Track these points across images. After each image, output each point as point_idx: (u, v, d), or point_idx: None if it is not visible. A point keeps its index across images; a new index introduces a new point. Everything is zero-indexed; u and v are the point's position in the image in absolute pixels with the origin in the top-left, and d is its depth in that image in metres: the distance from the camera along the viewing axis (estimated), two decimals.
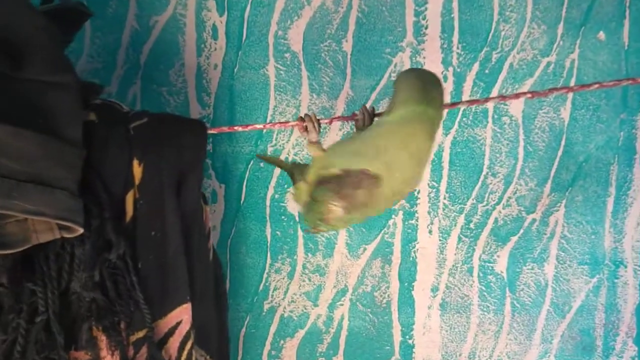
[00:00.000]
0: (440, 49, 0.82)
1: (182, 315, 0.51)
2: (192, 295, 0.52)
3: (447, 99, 0.83)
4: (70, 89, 0.44)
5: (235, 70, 0.81)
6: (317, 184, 0.50)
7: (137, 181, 0.50)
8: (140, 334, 0.49)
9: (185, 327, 0.51)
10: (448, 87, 0.82)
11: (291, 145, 0.82)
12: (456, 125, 0.83)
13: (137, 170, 0.50)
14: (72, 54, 0.79)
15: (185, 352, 0.51)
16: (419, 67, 0.81)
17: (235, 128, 0.59)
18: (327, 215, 0.50)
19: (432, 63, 0.82)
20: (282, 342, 0.86)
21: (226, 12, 0.80)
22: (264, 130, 0.82)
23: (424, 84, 0.47)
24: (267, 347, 0.86)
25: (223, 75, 0.81)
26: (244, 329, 0.85)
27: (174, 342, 0.51)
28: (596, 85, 0.51)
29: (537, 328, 0.86)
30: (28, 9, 0.44)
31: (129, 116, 0.52)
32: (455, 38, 0.82)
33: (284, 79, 0.81)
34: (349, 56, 0.82)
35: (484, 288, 0.86)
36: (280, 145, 0.82)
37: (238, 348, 0.85)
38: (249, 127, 0.58)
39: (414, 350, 0.86)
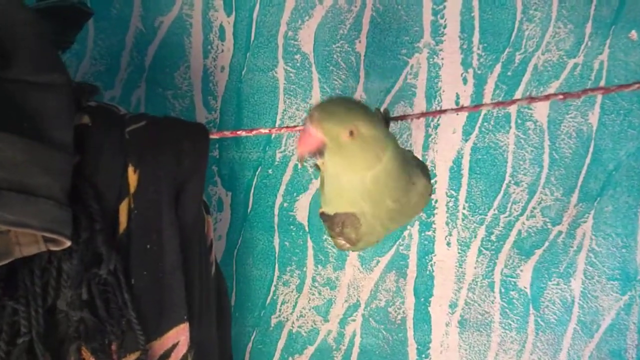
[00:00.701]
0: (460, 50, 0.77)
1: (179, 337, 0.47)
2: (191, 314, 0.48)
3: (467, 102, 0.78)
4: (59, 90, 0.41)
5: (243, 72, 0.77)
6: (321, 219, 0.52)
7: (132, 189, 0.46)
8: (133, 357, 0.45)
9: (182, 349, 0.47)
10: (468, 89, 0.78)
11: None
12: (476, 131, 0.78)
13: (133, 177, 0.46)
14: (74, 56, 0.77)
15: None
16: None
17: (239, 133, 0.55)
18: (339, 247, 0.52)
19: (451, 64, 0.78)
20: (290, 359, 0.81)
21: (234, 12, 0.77)
22: (273, 136, 0.78)
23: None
24: None
25: (230, 78, 0.77)
26: (250, 344, 0.81)
27: None
28: (637, 86, 0.46)
29: (562, 348, 0.81)
30: (16, 4, 0.41)
31: (125, 119, 0.49)
32: (476, 38, 0.77)
33: (293, 82, 0.77)
34: (362, 57, 0.77)
35: (505, 304, 0.80)
36: (289, 152, 0.78)
37: None
38: (254, 132, 0.54)
39: None
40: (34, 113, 0.38)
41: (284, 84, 0.77)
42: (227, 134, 0.53)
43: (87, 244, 0.42)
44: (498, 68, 0.77)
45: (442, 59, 0.78)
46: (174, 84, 0.77)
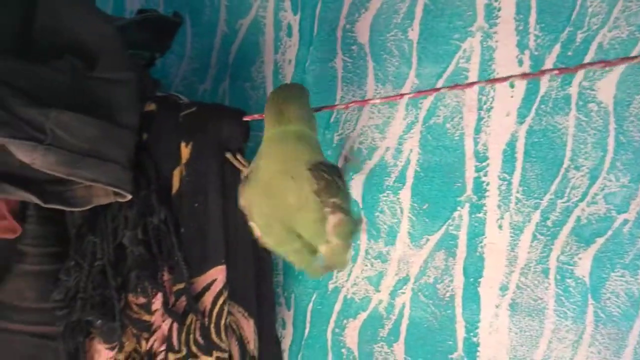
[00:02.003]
0: (515, 32, 0.77)
1: (216, 275, 0.59)
2: (227, 258, 0.60)
3: (522, 87, 0.77)
4: (128, 84, 0.56)
5: (307, 64, 0.87)
6: None
7: (183, 160, 0.60)
8: (180, 286, 0.59)
9: (219, 284, 0.60)
10: (524, 71, 0.77)
11: (356, 135, 0.86)
12: (533, 113, 0.77)
13: (185, 151, 0.60)
14: (177, 57, 0.95)
15: (217, 305, 0.60)
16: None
17: (255, 116, 0.64)
18: None
19: (505, 47, 0.77)
20: (345, 321, 0.90)
21: (299, 11, 0.87)
22: (331, 120, 0.87)
23: (278, 106, 0.54)
24: (332, 324, 0.91)
25: (296, 70, 0.88)
26: (310, 305, 0.91)
27: (208, 296, 0.60)
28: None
29: (628, 344, 0.75)
30: (102, 20, 0.57)
31: (182, 106, 0.63)
32: (533, 18, 0.76)
33: (350, 71, 0.85)
34: (414, 44, 0.82)
35: (561, 292, 0.78)
36: (345, 134, 0.86)
37: (306, 321, 0.92)
38: None
39: (478, 348, 0.83)
40: (108, 101, 0.54)
41: (342, 73, 0.85)
42: (256, 116, 0.64)
43: (144, 199, 0.57)
44: (557, 48, 0.75)
45: (496, 41, 0.78)
46: (251, 77, 0.91)
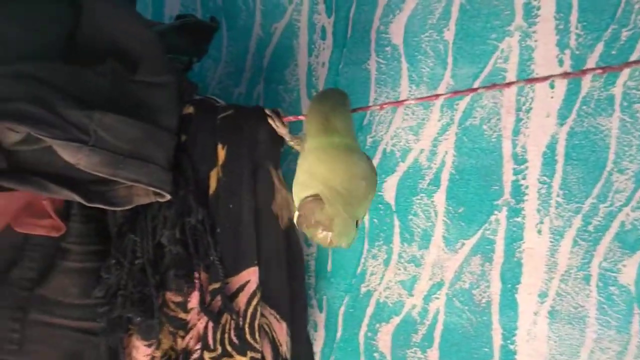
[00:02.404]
0: (555, 30, 0.75)
1: (250, 276, 0.60)
2: (259, 261, 0.61)
3: (563, 87, 0.75)
4: (168, 88, 0.57)
5: (340, 66, 0.87)
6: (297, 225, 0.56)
7: (220, 162, 0.61)
8: (216, 285, 0.60)
9: (252, 286, 0.60)
10: (565, 71, 0.74)
11: (389, 137, 0.85)
12: (574, 115, 0.75)
13: (221, 153, 0.61)
14: (214, 60, 0.97)
15: (252, 306, 0.60)
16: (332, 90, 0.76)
17: (290, 117, 0.65)
18: (323, 242, 0.54)
19: (545, 46, 0.75)
20: (377, 325, 0.89)
21: (334, 14, 0.87)
22: (364, 123, 0.86)
23: (325, 115, 0.54)
24: (364, 328, 0.90)
25: (329, 72, 0.88)
26: (342, 308, 0.91)
27: (243, 297, 0.61)
28: None
29: None
30: (143, 26, 0.59)
31: (219, 109, 0.64)
32: (574, 17, 0.73)
33: (384, 72, 0.84)
34: (450, 45, 0.80)
35: (603, 300, 0.75)
36: (379, 137, 0.86)
37: (337, 324, 0.92)
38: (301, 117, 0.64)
39: (515, 356, 0.80)
40: (149, 104, 0.55)
41: (375, 74, 0.85)
42: (291, 118, 0.64)
43: (183, 199, 0.58)
44: (600, 47, 0.72)
45: (536, 41, 0.76)
46: (284, 80, 0.91)
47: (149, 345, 0.60)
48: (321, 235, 0.53)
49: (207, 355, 0.59)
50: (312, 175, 0.53)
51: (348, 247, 0.54)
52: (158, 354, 0.60)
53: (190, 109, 0.62)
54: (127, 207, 0.57)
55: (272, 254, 0.63)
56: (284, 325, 0.66)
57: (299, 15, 0.90)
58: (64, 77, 0.50)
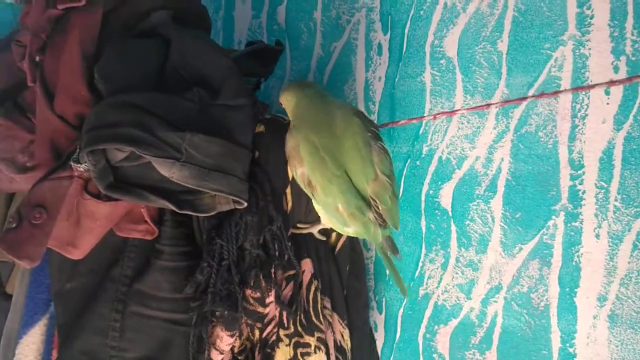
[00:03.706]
0: (610, 38, 0.76)
1: (305, 266, 0.71)
2: (309, 253, 0.73)
3: (619, 92, 0.76)
4: (244, 110, 0.66)
5: (396, 80, 0.93)
6: None
7: (291, 178, 0.69)
8: (291, 272, 0.71)
9: (308, 274, 0.71)
10: (620, 77, 0.75)
11: (445, 145, 0.89)
12: (631, 119, 0.75)
13: (290, 170, 0.69)
14: (279, 80, 1.05)
15: (311, 292, 0.71)
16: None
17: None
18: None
19: (600, 54, 0.77)
20: (436, 327, 0.93)
21: (389, 31, 0.93)
22: (420, 132, 0.91)
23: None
24: (422, 330, 0.94)
25: (386, 86, 0.94)
26: (401, 310, 0.96)
27: (303, 284, 0.71)
28: None
29: None
30: (221, 55, 0.67)
31: (286, 126, 0.71)
32: (629, 23, 0.74)
33: (438, 84, 0.89)
34: (504, 55, 0.83)
35: None
36: (434, 145, 0.90)
37: (397, 326, 0.96)
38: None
39: (575, 359, 0.81)
40: (229, 124, 0.64)
41: (430, 86, 0.90)
42: None
43: (263, 209, 0.67)
44: None
45: (589, 49, 0.78)
46: (343, 95, 0.98)
47: (232, 336, 0.68)
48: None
49: (282, 332, 0.69)
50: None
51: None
52: (237, 343, 0.68)
53: (261, 128, 0.71)
54: (211, 213, 0.65)
55: (320, 250, 0.72)
56: (336, 316, 0.76)
57: (357, 33, 0.96)
58: (159, 105, 0.60)
